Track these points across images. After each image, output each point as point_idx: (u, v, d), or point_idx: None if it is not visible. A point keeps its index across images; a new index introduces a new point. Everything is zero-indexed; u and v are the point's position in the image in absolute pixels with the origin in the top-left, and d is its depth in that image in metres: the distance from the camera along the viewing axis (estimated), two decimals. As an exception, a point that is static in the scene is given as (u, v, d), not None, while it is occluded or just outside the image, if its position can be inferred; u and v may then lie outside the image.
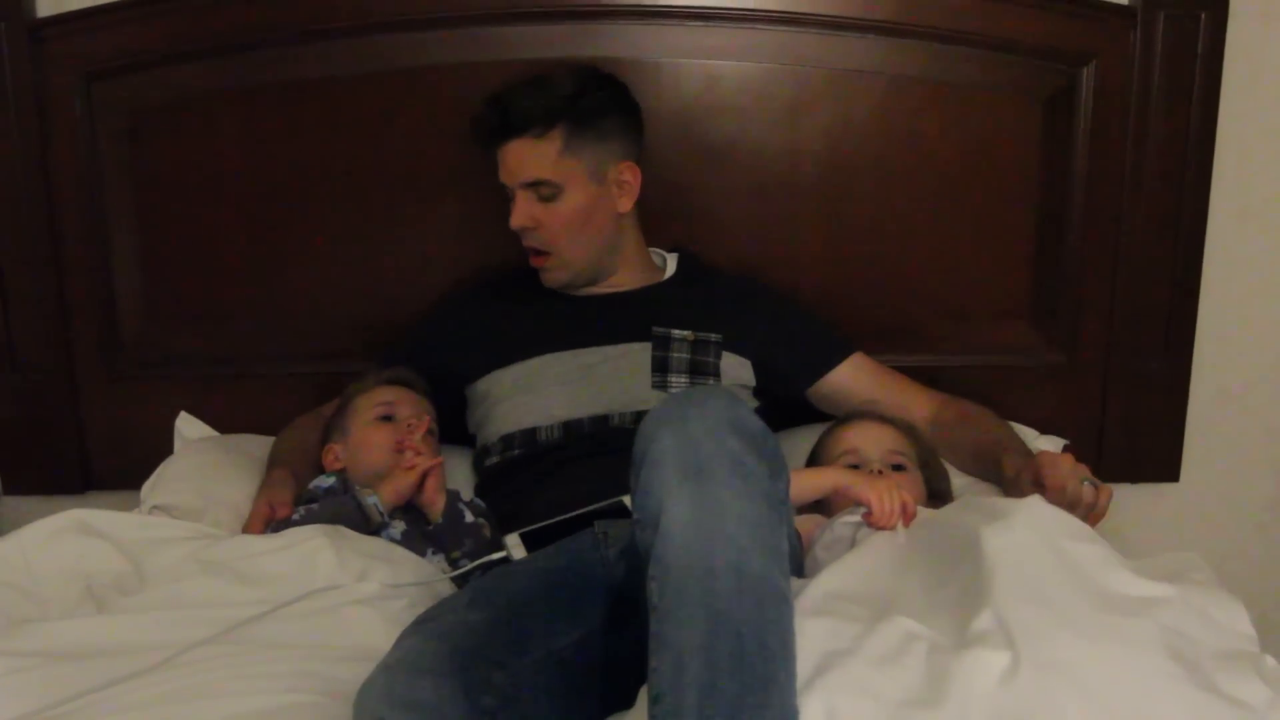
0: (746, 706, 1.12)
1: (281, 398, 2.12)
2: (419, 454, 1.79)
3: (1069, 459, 1.71)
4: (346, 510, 1.72)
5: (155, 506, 1.87)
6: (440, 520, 1.76)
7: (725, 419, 1.22)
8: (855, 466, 1.75)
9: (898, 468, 1.76)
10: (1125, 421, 2.21)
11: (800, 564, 1.57)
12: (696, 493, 1.18)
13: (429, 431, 1.87)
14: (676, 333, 1.94)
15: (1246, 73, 2.10)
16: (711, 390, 1.30)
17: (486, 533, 1.78)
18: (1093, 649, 1.20)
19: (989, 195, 2.13)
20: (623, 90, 1.96)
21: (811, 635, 1.24)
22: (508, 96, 1.88)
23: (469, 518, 1.78)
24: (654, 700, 1.15)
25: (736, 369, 1.95)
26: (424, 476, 1.77)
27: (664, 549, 1.17)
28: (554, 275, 1.96)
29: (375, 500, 1.73)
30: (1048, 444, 2.03)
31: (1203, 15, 2.03)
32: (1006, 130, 2.11)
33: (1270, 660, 1.28)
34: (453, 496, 1.79)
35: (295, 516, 1.72)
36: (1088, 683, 1.17)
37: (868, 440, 1.78)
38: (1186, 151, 2.09)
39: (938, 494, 1.81)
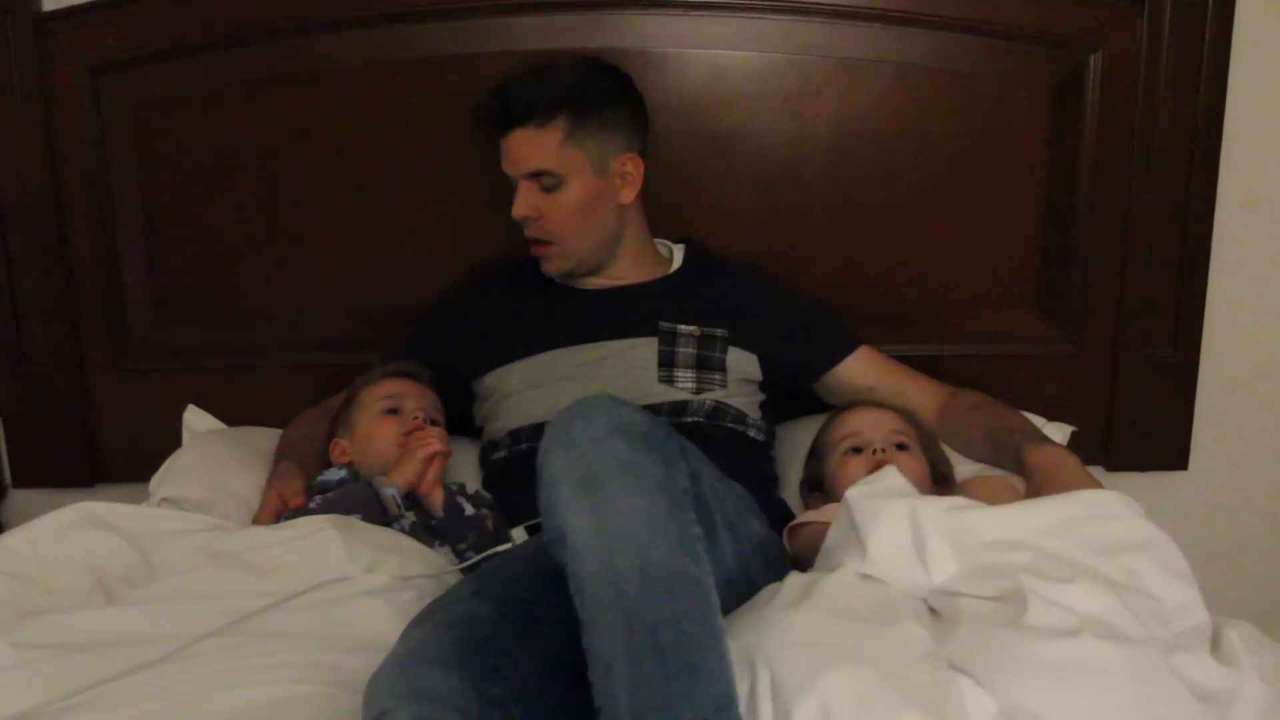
0: (675, 695, 1.14)
1: (288, 390, 2.13)
2: (427, 438, 1.79)
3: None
4: (364, 500, 1.71)
5: (164, 499, 1.87)
6: (442, 516, 1.76)
7: (606, 423, 1.26)
8: (857, 450, 1.76)
9: (901, 447, 1.76)
10: (1134, 410, 2.20)
11: (797, 559, 1.57)
12: (592, 502, 1.21)
13: (433, 423, 1.87)
14: (683, 328, 1.94)
15: (1254, 61, 2.09)
16: (591, 399, 1.31)
17: (489, 524, 1.77)
18: (1059, 688, 1.19)
19: (996, 184, 2.13)
20: (626, 81, 1.96)
21: (807, 629, 1.25)
22: (510, 86, 1.88)
23: (469, 510, 1.77)
24: (598, 710, 1.18)
25: (743, 363, 1.95)
26: (430, 459, 1.77)
27: (574, 563, 1.21)
28: (556, 264, 1.96)
29: (393, 490, 1.73)
30: (1055, 432, 2.03)
31: (1210, 2, 2.02)
32: (1013, 119, 2.10)
33: (1231, 633, 1.31)
34: (452, 491, 1.79)
35: (311, 505, 1.72)
36: None
37: (868, 423, 1.79)
38: (1194, 139, 2.08)
39: (941, 478, 1.81)
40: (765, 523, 1.61)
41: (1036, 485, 1.70)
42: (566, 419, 1.28)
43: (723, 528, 1.42)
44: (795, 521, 1.73)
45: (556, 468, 1.25)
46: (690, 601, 1.19)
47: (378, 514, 1.71)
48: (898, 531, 1.39)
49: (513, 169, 1.90)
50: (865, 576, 1.40)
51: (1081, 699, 1.18)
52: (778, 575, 1.48)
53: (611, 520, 1.20)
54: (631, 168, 1.93)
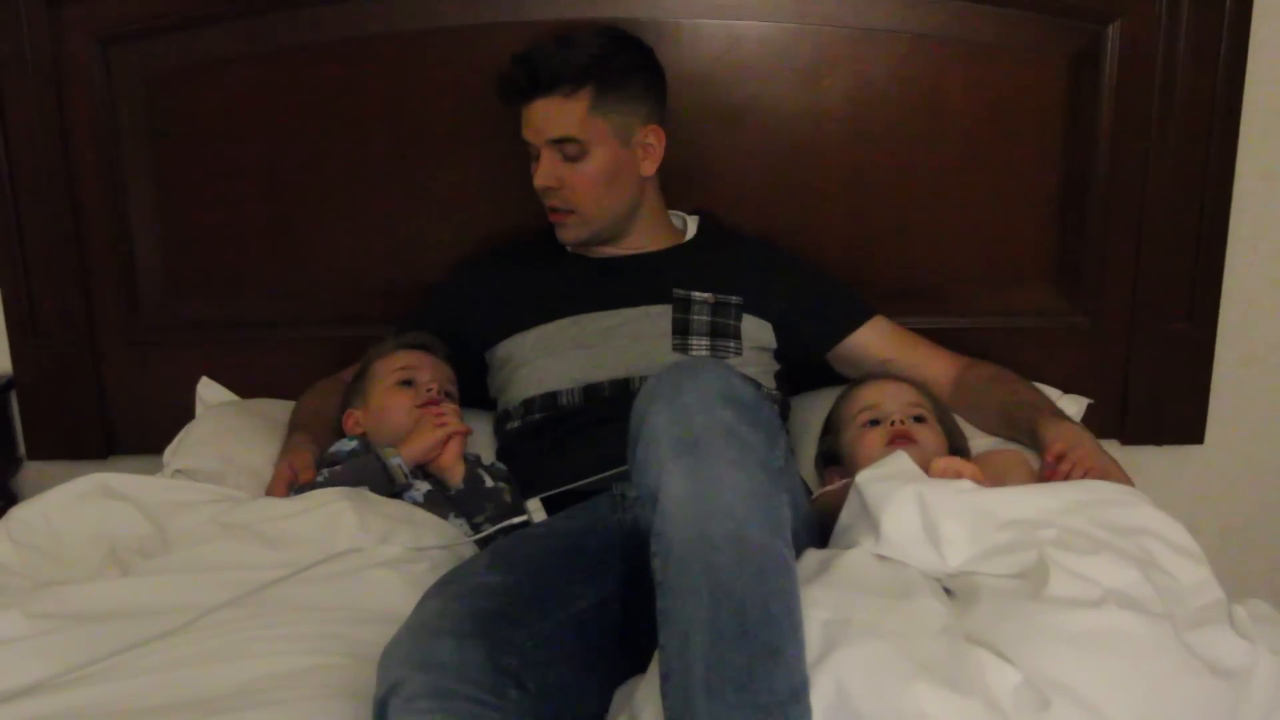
0: (755, 676, 1.13)
1: (301, 362, 2.13)
2: (444, 415, 1.79)
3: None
4: (371, 470, 1.72)
5: (178, 470, 1.87)
6: (461, 486, 1.76)
7: (717, 390, 1.23)
8: (875, 423, 1.75)
9: (919, 419, 1.76)
10: (1150, 384, 2.19)
11: (823, 532, 1.57)
12: (692, 466, 1.19)
13: (447, 395, 1.86)
14: (697, 295, 1.93)
15: (1274, 31, 2.07)
16: (702, 361, 1.30)
17: (507, 497, 1.78)
18: (1085, 658, 1.20)
19: (1012, 155, 2.11)
20: (649, 52, 1.95)
21: (823, 604, 1.24)
22: (536, 54, 1.86)
23: (489, 483, 1.77)
24: (664, 677, 1.16)
25: (757, 331, 1.94)
26: (446, 439, 1.77)
27: (663, 525, 1.19)
28: (573, 232, 1.94)
29: (399, 460, 1.73)
30: (1071, 405, 2.03)
31: (1230, -28, 2.00)
32: (1030, 90, 2.09)
33: (1240, 610, 1.32)
34: (472, 462, 1.79)
35: (320, 479, 1.73)
36: (1086, 695, 1.17)
37: (885, 396, 1.78)
38: (1213, 111, 2.06)
39: (957, 451, 1.80)
40: (808, 499, 1.61)
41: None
42: (675, 379, 1.25)
43: (790, 506, 1.41)
44: (816, 495, 1.73)
45: (657, 426, 1.22)
46: (779, 584, 1.17)
47: (384, 484, 1.71)
48: (909, 516, 1.39)
49: (535, 136, 1.88)
50: (881, 556, 1.40)
51: (1108, 668, 1.18)
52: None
53: (711, 488, 1.18)
54: (654, 139, 1.92)
